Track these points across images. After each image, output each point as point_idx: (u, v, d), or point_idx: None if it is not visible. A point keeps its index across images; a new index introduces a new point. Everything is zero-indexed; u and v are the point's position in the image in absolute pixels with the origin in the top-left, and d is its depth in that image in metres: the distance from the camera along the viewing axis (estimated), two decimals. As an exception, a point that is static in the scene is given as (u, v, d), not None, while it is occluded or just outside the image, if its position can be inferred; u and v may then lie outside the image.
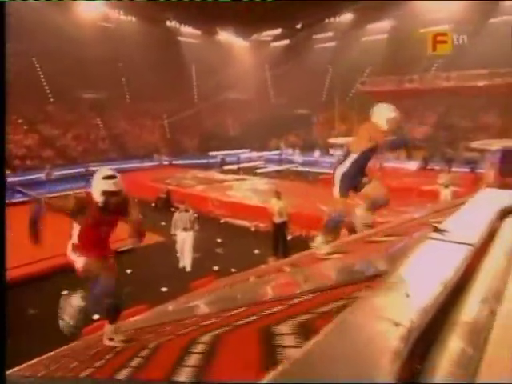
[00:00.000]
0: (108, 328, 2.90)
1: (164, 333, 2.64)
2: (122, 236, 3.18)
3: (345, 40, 31.26)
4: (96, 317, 4.19)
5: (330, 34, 32.96)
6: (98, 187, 2.80)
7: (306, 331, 1.19)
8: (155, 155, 25.47)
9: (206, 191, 14.40)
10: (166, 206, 12.86)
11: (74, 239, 2.93)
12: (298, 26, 33.26)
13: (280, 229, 8.29)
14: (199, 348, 1.61)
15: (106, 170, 2.92)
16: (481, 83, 23.35)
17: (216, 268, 7.77)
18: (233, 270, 7.28)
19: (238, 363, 1.30)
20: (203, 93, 30.62)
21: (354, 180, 3.36)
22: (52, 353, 3.60)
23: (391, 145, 3.41)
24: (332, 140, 22.32)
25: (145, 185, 15.80)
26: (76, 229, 2.91)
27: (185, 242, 7.91)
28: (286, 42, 34.95)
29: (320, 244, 3.47)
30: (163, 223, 9.12)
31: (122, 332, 2.94)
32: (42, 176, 19.13)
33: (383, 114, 3.36)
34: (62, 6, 25.15)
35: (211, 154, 24.55)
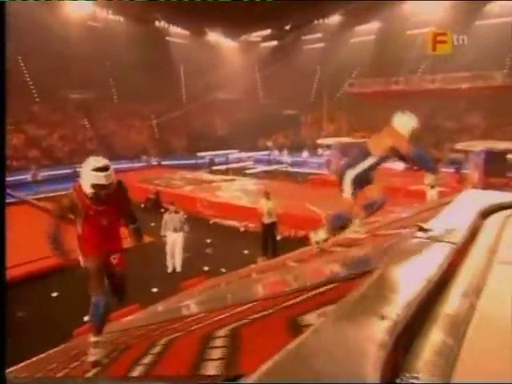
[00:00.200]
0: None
1: (174, 329, 2.63)
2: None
3: (333, 41, 31.56)
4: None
5: (319, 35, 33.27)
6: (88, 180, 2.65)
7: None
8: (143, 156, 25.28)
9: (194, 192, 14.35)
10: (155, 206, 12.79)
11: (79, 236, 2.85)
12: (287, 27, 33.43)
13: (269, 229, 8.32)
14: (218, 342, 1.64)
15: (97, 159, 2.71)
16: (465, 86, 23.80)
17: (206, 268, 7.78)
18: (223, 270, 7.32)
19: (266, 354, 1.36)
20: (192, 93, 30.47)
21: (365, 182, 3.39)
22: (44, 354, 3.57)
23: (415, 158, 3.30)
24: (320, 141, 22.45)
25: (133, 186, 15.60)
26: (79, 227, 2.82)
27: (175, 243, 7.90)
28: (275, 42, 35.12)
29: (320, 239, 3.49)
30: (153, 224, 9.06)
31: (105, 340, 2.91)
32: (27, 177, 18.85)
33: (407, 123, 3.37)
34: (50, 5, 24.77)
35: (200, 154, 24.38)
